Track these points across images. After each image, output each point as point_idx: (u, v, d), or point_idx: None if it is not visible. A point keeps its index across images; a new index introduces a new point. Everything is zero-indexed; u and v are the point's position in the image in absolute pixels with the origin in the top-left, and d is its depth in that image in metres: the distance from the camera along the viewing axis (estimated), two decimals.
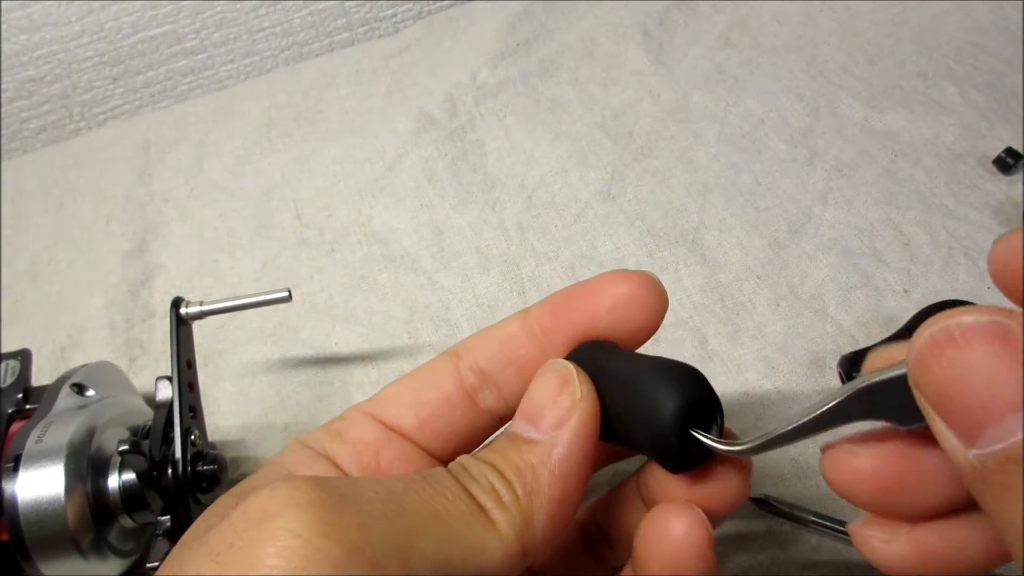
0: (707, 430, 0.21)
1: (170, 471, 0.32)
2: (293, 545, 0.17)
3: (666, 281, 0.43)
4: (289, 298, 0.36)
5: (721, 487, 0.22)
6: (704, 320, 0.41)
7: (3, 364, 0.36)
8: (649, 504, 0.23)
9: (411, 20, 0.62)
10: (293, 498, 0.18)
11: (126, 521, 0.33)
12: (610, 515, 0.25)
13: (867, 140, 0.48)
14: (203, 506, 0.33)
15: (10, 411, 0.34)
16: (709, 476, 0.22)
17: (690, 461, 0.21)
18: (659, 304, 0.23)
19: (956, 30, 0.52)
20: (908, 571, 0.19)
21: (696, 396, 0.21)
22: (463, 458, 0.22)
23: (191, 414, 0.35)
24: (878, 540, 0.19)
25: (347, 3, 0.60)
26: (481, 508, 0.20)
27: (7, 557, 0.30)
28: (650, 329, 0.24)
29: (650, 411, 0.21)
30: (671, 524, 0.21)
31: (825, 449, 0.20)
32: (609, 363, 0.23)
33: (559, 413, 0.21)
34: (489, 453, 0.22)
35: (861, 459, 0.19)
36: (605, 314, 0.23)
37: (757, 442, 0.20)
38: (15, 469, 0.30)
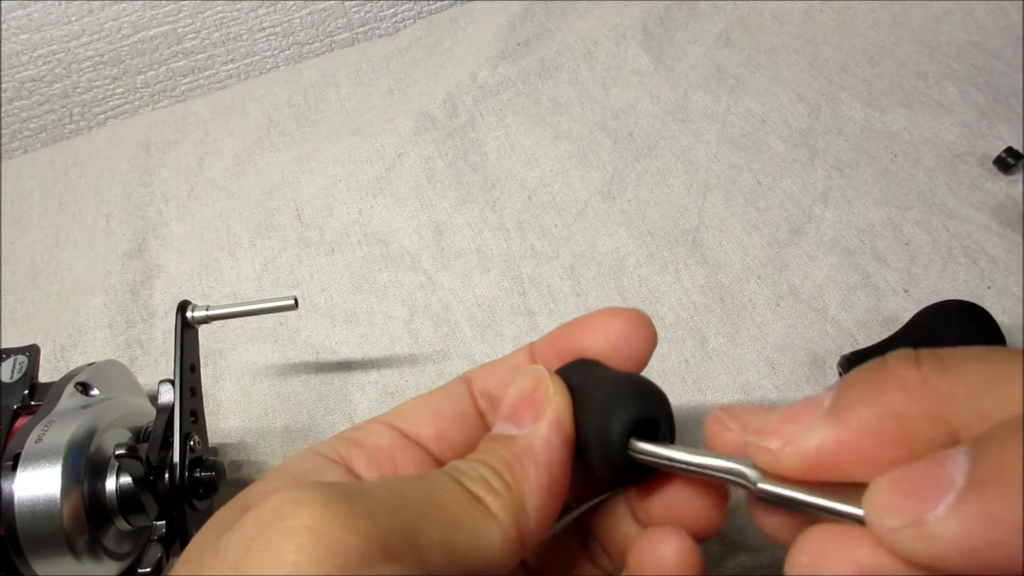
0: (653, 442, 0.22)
1: (167, 476, 0.32)
2: (311, 540, 0.17)
3: (666, 281, 0.43)
4: (295, 306, 0.36)
5: (697, 514, 0.23)
6: (704, 320, 0.41)
7: (11, 359, 0.36)
8: (638, 518, 0.24)
9: (411, 20, 0.62)
10: (304, 497, 0.18)
11: (122, 524, 0.32)
12: (602, 525, 0.26)
13: (867, 140, 0.48)
14: (199, 512, 0.33)
15: (15, 406, 0.34)
16: (687, 501, 0.23)
17: (629, 473, 0.22)
18: (647, 341, 0.25)
19: (957, 30, 0.52)
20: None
21: (639, 411, 0.22)
22: (454, 461, 0.23)
23: (192, 419, 0.34)
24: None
25: (347, 3, 0.60)
26: (477, 498, 0.21)
27: (2, 554, 0.30)
28: (638, 362, 0.25)
29: (596, 422, 0.22)
30: (662, 549, 0.22)
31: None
32: (582, 378, 0.24)
33: (535, 408, 0.23)
34: (477, 454, 0.23)
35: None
36: (596, 348, 0.25)
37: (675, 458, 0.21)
38: (14, 468, 0.30)
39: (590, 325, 0.25)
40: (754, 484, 0.19)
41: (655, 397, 0.23)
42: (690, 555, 0.22)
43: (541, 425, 0.22)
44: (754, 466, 0.19)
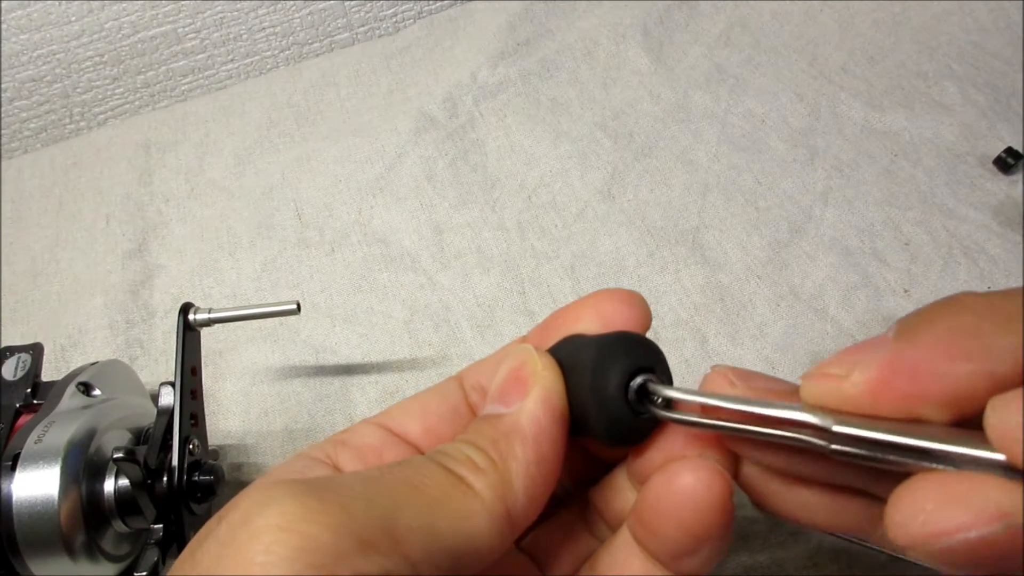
0: (651, 398, 0.21)
1: (165, 480, 0.32)
2: (280, 539, 0.17)
3: (666, 281, 0.43)
4: (298, 311, 0.36)
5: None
6: (704, 320, 0.41)
7: (14, 357, 0.36)
8: (638, 479, 0.23)
9: (411, 20, 0.62)
10: (272, 496, 0.18)
11: (120, 526, 0.32)
12: (600, 495, 0.25)
13: (867, 140, 0.48)
14: (196, 516, 0.33)
15: (18, 405, 0.34)
16: (694, 443, 0.22)
17: (636, 430, 0.21)
18: (642, 320, 0.24)
19: (957, 30, 0.52)
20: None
21: (633, 360, 0.21)
22: (441, 444, 0.22)
23: (192, 422, 0.34)
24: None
25: (347, 3, 0.60)
26: (459, 478, 0.20)
27: (0, 553, 0.30)
28: None
29: (590, 383, 0.21)
30: (688, 478, 0.21)
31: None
32: (572, 350, 0.23)
33: (522, 386, 0.22)
34: (463, 434, 0.22)
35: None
36: (589, 331, 0.24)
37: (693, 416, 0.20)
38: (13, 468, 0.30)
39: (582, 308, 0.24)
40: (828, 428, 0.16)
41: (647, 346, 0.22)
42: (722, 481, 0.20)
43: (528, 401, 0.22)
44: (818, 411, 0.16)
